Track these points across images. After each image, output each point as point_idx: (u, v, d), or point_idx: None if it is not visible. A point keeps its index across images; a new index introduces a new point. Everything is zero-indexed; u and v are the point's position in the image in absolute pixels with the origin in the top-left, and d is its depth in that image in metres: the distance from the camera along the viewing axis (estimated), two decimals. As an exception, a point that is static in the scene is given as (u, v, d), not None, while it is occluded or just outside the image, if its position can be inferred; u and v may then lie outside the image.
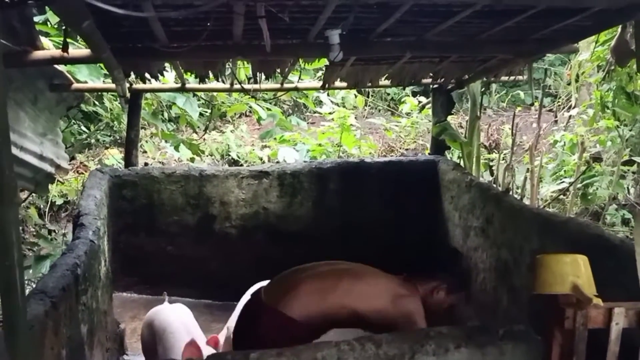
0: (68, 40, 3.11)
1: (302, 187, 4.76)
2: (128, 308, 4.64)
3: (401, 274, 2.99)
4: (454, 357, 1.99)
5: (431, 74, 4.62)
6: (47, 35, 4.12)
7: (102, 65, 4.49)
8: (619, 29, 3.72)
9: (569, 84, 9.50)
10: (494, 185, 5.35)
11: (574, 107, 8.52)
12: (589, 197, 6.33)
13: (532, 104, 10.98)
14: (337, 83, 4.59)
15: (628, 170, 6.62)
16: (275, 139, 7.28)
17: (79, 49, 3.40)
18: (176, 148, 6.31)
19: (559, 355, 2.04)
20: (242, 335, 2.78)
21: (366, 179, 4.82)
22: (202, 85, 4.45)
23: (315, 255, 4.69)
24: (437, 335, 2.02)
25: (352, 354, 1.90)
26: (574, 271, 2.01)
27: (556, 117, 9.12)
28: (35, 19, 4.12)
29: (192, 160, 6.87)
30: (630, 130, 6.63)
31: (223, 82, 4.37)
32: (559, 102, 9.78)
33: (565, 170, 6.90)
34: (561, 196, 6.64)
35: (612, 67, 6.14)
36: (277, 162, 6.35)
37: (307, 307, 2.63)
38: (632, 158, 6.51)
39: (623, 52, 4.01)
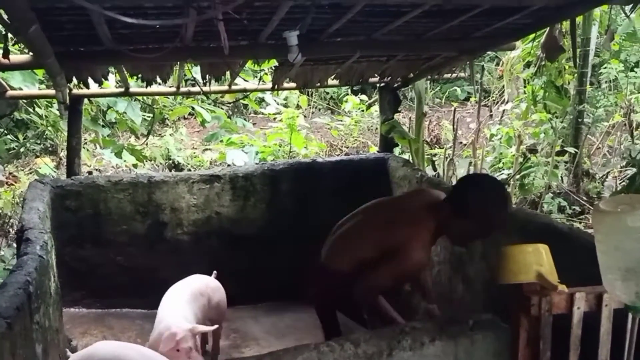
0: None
1: (255, 189, 4.71)
2: (77, 323, 4.44)
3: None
4: (429, 350, 2.04)
5: (378, 73, 4.70)
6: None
7: (36, 70, 4.29)
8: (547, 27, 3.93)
9: (499, 79, 9.93)
10: (443, 180, 5.50)
11: (507, 102, 8.90)
12: (527, 187, 6.63)
13: (467, 100, 11.40)
14: (287, 84, 4.59)
15: (561, 160, 6.99)
16: (221, 141, 7.17)
17: (17, 55, 3.21)
18: (118, 154, 6.09)
19: (526, 340, 2.12)
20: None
21: (319, 178, 4.82)
22: (147, 89, 4.32)
23: (271, 257, 4.72)
24: (412, 330, 2.06)
25: (332, 355, 1.91)
26: (537, 260, 2.10)
27: (491, 111, 9.50)
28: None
29: (134, 166, 6.66)
30: (561, 122, 7.00)
31: (169, 85, 4.27)
32: (493, 97, 10.18)
33: (503, 163, 7.20)
34: (501, 187, 6.90)
35: (543, 63, 6.47)
36: (227, 165, 6.26)
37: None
38: (565, 148, 6.88)
39: (553, 48, 4.24)
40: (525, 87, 7.88)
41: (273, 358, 1.87)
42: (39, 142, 8.46)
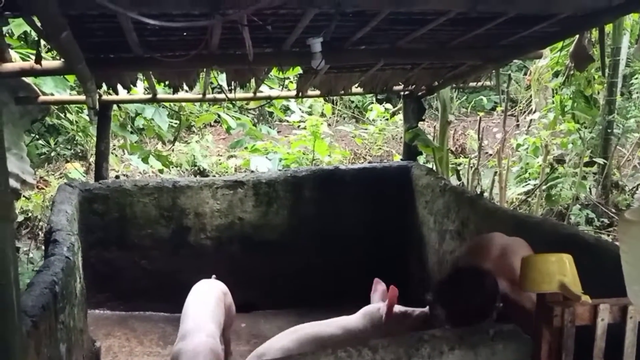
0: (29, 51, 3.02)
1: (278, 195, 4.74)
2: (101, 325, 4.51)
3: None
4: (448, 359, 2.02)
5: (402, 81, 4.69)
6: (9, 47, 4.00)
7: (67, 76, 4.40)
8: (577, 35, 3.87)
9: (527, 88, 9.81)
10: (467, 189, 5.46)
11: (534, 112, 8.78)
12: (554, 198, 6.51)
13: (494, 109, 11.28)
14: (311, 91, 4.61)
15: (589, 171, 6.86)
16: (245, 148, 7.24)
17: (49, 61, 3.31)
18: (144, 160, 6.18)
19: (548, 352, 2.09)
20: None
21: (341, 185, 4.84)
22: (174, 96, 4.39)
23: (293, 263, 4.74)
24: (431, 339, 2.04)
25: (350, 361, 1.90)
26: (560, 270, 2.06)
27: (517, 121, 9.38)
28: (-2, 30, 4.00)
29: (160, 172, 6.76)
30: (590, 133, 6.87)
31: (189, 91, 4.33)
32: (520, 107, 10.06)
33: (529, 173, 7.09)
34: (527, 198, 6.81)
35: (572, 72, 6.37)
36: (251, 171, 6.31)
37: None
38: (593, 159, 6.76)
39: (581, 57, 4.17)
40: (553, 96, 7.77)
41: (291, 362, 1.87)
42: (69, 147, 8.65)
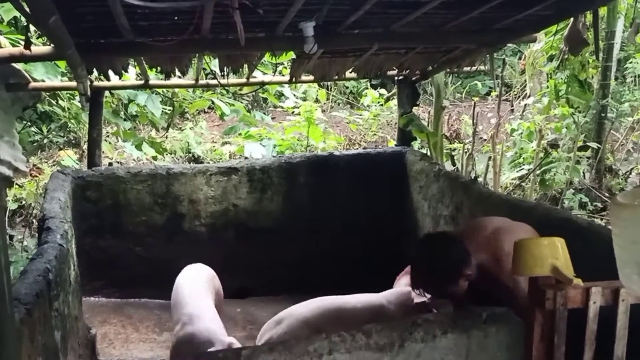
0: (19, 36, 2.99)
1: (272, 182, 4.73)
2: (97, 312, 4.51)
3: None
4: (441, 342, 2.03)
5: (396, 66, 4.66)
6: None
7: (58, 62, 4.36)
8: (572, 19, 3.85)
9: (521, 73, 9.79)
10: (462, 174, 5.46)
11: (528, 97, 8.77)
12: (547, 183, 6.53)
13: (488, 94, 11.26)
14: (304, 77, 4.58)
15: (583, 155, 6.88)
16: (239, 134, 7.21)
17: (39, 47, 3.27)
18: (138, 147, 6.16)
19: (540, 335, 2.10)
20: None
21: (336, 172, 4.83)
22: (166, 82, 4.36)
23: (287, 249, 4.74)
24: (424, 323, 2.05)
25: (344, 345, 1.91)
26: (552, 253, 2.07)
27: (512, 106, 9.37)
28: (-13, 16, 3.95)
29: (154, 158, 6.73)
30: (584, 117, 6.88)
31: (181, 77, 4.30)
32: (514, 92, 10.04)
33: (523, 158, 7.10)
34: (521, 183, 6.83)
35: (566, 56, 6.35)
36: (245, 158, 6.29)
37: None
38: (587, 144, 6.77)
39: (576, 41, 4.15)
40: (548, 81, 7.76)
41: (285, 347, 1.88)
42: (62, 134, 8.59)
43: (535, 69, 7.84)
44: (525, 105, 8.39)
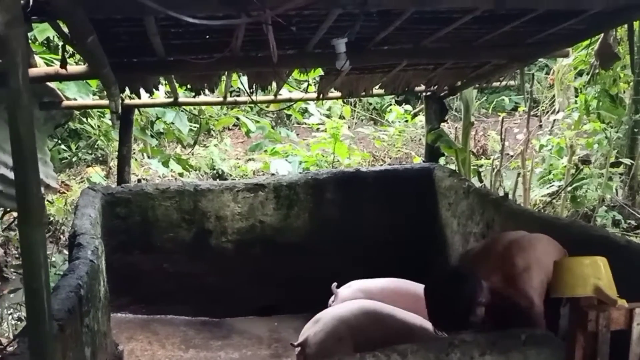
0: (53, 56, 3.05)
1: (299, 198, 4.71)
2: (124, 329, 4.52)
3: None
4: (479, 364, 1.97)
5: (424, 82, 4.64)
6: (33, 53, 4.04)
7: (90, 81, 4.44)
8: (602, 33, 3.79)
9: (549, 88, 9.66)
10: (491, 191, 5.37)
11: (557, 112, 8.64)
12: (579, 200, 6.40)
13: (515, 110, 11.14)
14: (331, 93, 4.58)
15: (615, 171, 6.72)
16: (265, 151, 7.24)
17: (73, 66, 3.33)
18: (165, 164, 6.22)
19: (582, 357, 2.02)
20: None
21: (363, 188, 4.79)
22: (195, 99, 4.40)
23: (314, 266, 4.70)
24: (461, 344, 1.99)
25: (379, 366, 1.86)
26: (594, 273, 2.01)
27: (540, 122, 9.24)
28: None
29: (180, 175, 6.79)
30: (616, 132, 6.74)
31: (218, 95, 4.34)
32: (542, 107, 9.92)
33: (553, 174, 6.97)
34: (552, 200, 6.70)
35: (597, 71, 6.25)
36: (271, 174, 6.30)
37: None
38: (620, 159, 6.62)
39: (607, 56, 4.08)
40: (576, 96, 7.64)
41: (319, 367, 1.84)
42: (90, 152, 8.75)
43: (564, 84, 7.73)
44: (554, 120, 8.27)
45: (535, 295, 2.27)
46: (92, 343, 2.95)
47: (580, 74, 7.29)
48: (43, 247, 1.27)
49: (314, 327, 3.05)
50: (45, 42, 5.17)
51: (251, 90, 3.97)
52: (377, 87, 4.57)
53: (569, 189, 6.41)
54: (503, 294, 2.39)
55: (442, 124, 5.34)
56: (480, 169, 7.16)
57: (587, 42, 6.02)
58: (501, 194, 5.03)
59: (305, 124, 8.76)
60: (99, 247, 3.46)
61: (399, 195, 4.82)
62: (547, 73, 9.75)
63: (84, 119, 6.90)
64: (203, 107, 6.55)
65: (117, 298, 4.53)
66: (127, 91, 3.80)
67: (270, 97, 4.69)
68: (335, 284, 3.75)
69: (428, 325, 2.92)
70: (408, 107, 9.18)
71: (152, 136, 8.37)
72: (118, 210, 4.52)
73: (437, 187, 4.74)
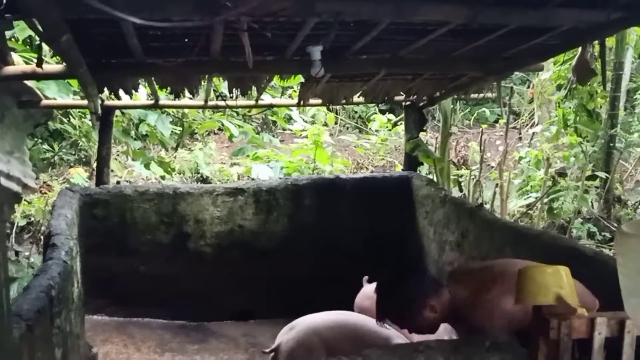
0: (33, 54, 3.05)
1: (278, 203, 4.74)
2: (99, 331, 4.49)
3: None
4: (442, 370, 2.00)
5: (403, 91, 4.70)
6: (13, 51, 4.02)
7: (70, 81, 4.43)
8: (580, 49, 3.88)
9: (530, 102, 9.81)
10: (468, 200, 5.44)
11: (536, 125, 8.77)
12: (555, 212, 6.49)
13: (497, 122, 11.27)
14: (312, 100, 4.62)
15: (591, 185, 6.84)
16: (248, 156, 7.26)
17: (51, 65, 3.33)
18: (146, 166, 6.21)
19: (544, 365, 2.07)
20: None
21: (341, 195, 4.83)
22: (176, 102, 4.42)
23: (291, 272, 4.72)
24: (425, 349, 2.02)
25: (343, 370, 1.89)
26: (556, 282, 2.05)
27: (520, 134, 9.37)
28: (2, 34, 4.02)
29: (162, 178, 6.78)
30: (592, 146, 6.86)
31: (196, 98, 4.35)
32: (522, 120, 10.06)
33: (531, 186, 7.07)
34: (528, 211, 6.79)
35: (574, 86, 6.37)
36: (252, 179, 6.32)
37: None
38: (595, 173, 6.74)
39: (584, 71, 4.17)
40: (556, 110, 7.76)
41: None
42: (73, 152, 8.68)
43: (544, 97, 7.86)
44: (534, 133, 8.39)
45: (491, 323, 2.28)
46: (63, 344, 2.93)
47: (559, 88, 7.41)
48: (2, 245, 1.28)
49: (287, 335, 3.06)
50: (27, 40, 5.14)
51: (231, 95, 3.99)
52: (357, 95, 4.62)
53: (545, 200, 6.51)
54: (464, 310, 2.40)
55: (424, 133, 5.40)
56: (461, 179, 7.25)
57: (564, 57, 6.14)
58: (479, 203, 5.09)
59: (290, 130, 8.79)
60: (73, 248, 3.45)
61: (377, 203, 4.86)
62: (529, 87, 9.90)
63: (65, 119, 6.85)
64: (186, 111, 6.55)
65: (94, 300, 4.51)
66: (106, 92, 3.80)
67: (252, 102, 4.71)
68: (366, 277, 3.77)
69: (404, 339, 2.97)
70: (391, 116, 9.25)
71: (137, 138, 8.35)
72: (96, 212, 4.51)
73: (415, 195, 4.79)
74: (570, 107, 6.75)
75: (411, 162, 5.17)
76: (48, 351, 2.60)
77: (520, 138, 9.43)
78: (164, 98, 4.81)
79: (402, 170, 5.35)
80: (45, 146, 7.96)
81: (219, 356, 4.27)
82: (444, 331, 2.94)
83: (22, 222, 7.08)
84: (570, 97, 6.69)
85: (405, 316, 2.45)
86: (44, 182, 8.21)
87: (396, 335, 2.98)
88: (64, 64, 3.07)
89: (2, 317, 1.35)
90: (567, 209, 6.48)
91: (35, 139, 6.74)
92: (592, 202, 6.82)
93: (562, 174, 7.06)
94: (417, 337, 2.82)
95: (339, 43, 3.23)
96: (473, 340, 2.13)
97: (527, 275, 2.12)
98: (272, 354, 3.19)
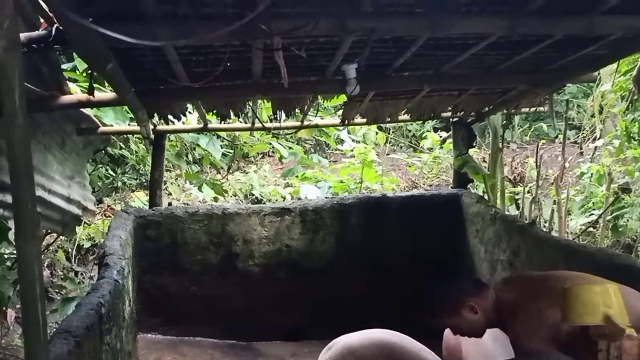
0: (95, 85, 3.22)
1: (324, 223, 4.75)
2: (152, 349, 4.61)
3: None
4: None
5: (450, 107, 4.63)
6: (75, 81, 4.27)
7: (127, 109, 4.65)
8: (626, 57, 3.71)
9: (592, 116, 9.40)
10: (519, 218, 5.26)
11: (599, 139, 8.39)
12: (620, 229, 6.14)
13: (557, 137, 10.86)
14: (357, 119, 4.63)
15: (658, 200, 6.44)
16: (297, 176, 7.33)
17: (104, 93, 3.51)
18: (199, 188, 6.38)
19: (594, 389, 1.95)
20: None
21: (388, 214, 4.79)
22: (223, 125, 4.53)
23: (339, 291, 4.69)
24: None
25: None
26: (605, 301, 1.95)
27: (581, 149, 8.99)
28: (64, 66, 4.28)
29: (215, 200, 6.94)
30: (658, 160, 6.48)
31: (245, 121, 4.45)
32: (583, 134, 9.65)
33: (593, 203, 6.74)
34: (591, 229, 6.46)
35: (635, 97, 6.07)
36: (299, 199, 6.37)
37: None
38: (662, 187, 6.35)
39: (645, 82, 3.98)
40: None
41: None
42: (134, 177, 9.06)
43: (604, 110, 7.52)
44: (595, 147, 8.02)
45: (533, 333, 2.20)
46: (113, 361, 3.02)
47: (622, 99, 7.06)
48: (37, 260, 1.35)
49: (326, 354, 3.05)
50: (88, 70, 5.43)
51: (276, 116, 4.06)
52: (402, 113, 4.59)
53: (609, 217, 6.18)
54: (508, 317, 2.34)
55: (478, 150, 5.28)
56: (517, 197, 7.00)
57: (626, 67, 5.88)
58: (531, 220, 4.90)
59: (340, 150, 8.81)
60: (125, 268, 3.57)
61: (425, 222, 4.78)
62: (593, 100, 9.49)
63: (124, 146, 7.17)
64: (237, 134, 6.71)
65: (148, 319, 4.65)
66: (157, 117, 3.96)
67: (297, 123, 4.77)
68: None
69: None
70: (444, 133, 9.10)
71: (194, 162, 8.62)
72: (149, 233, 4.66)
73: (465, 213, 4.68)
74: (633, 120, 6.42)
75: (460, 180, 5.06)
76: (97, 367, 2.69)
77: (581, 153, 9.04)
78: (214, 122, 4.95)
79: (452, 187, 5.23)
80: (111, 171, 8.35)
81: (266, 376, 4.28)
82: (502, 338, 2.85)
83: (87, 244, 7.42)
84: (632, 108, 6.37)
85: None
86: (108, 206, 8.59)
87: (433, 357, 2.90)
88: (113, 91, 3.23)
89: (39, 330, 1.41)
90: (632, 227, 6.12)
91: (96, 164, 7.08)
92: (659, 219, 6.41)
93: (625, 189, 6.69)
94: None
95: (380, 61, 3.24)
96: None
97: (574, 294, 2.03)
98: None
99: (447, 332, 3.09)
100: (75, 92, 3.52)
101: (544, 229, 5.51)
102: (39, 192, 4.01)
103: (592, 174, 7.10)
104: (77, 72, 4.81)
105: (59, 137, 4.28)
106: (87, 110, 4.05)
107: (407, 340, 3.10)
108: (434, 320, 2.56)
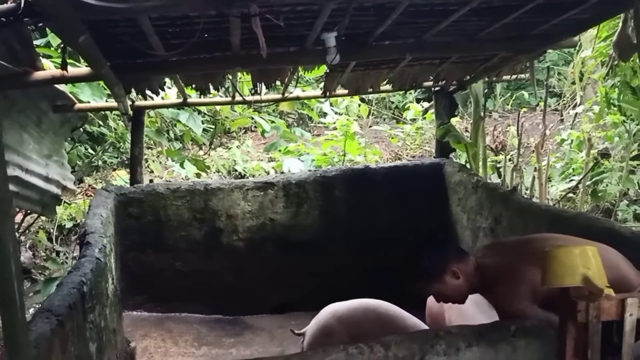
0: (70, 61, 3.13)
1: (308, 196, 4.74)
2: (139, 326, 4.61)
3: None
4: (465, 356, 1.95)
5: (432, 77, 4.60)
6: (49, 58, 4.15)
7: (104, 84, 4.54)
8: (620, 24, 3.69)
9: (573, 83, 9.44)
10: (501, 185, 5.30)
11: (579, 105, 8.44)
12: (599, 194, 6.23)
13: (538, 105, 10.91)
14: (339, 91, 4.59)
15: (637, 165, 6.53)
16: (279, 150, 7.28)
17: (78, 68, 3.41)
18: (181, 165, 6.32)
19: (573, 349, 1.99)
20: None
21: (372, 185, 4.79)
22: (203, 99, 4.46)
23: (325, 264, 4.71)
24: (447, 335, 1.98)
25: (361, 357, 1.87)
26: (583, 263, 1.97)
27: (562, 116, 9.05)
28: (37, 42, 4.15)
29: (198, 176, 6.88)
30: (637, 125, 6.54)
31: (225, 95, 4.38)
32: (564, 101, 9.70)
33: (573, 169, 6.81)
34: (571, 194, 6.55)
35: (616, 62, 6.08)
36: (282, 172, 6.34)
37: None
38: (641, 152, 6.43)
39: (625, 47, 3.97)
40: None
41: (301, 358, 1.85)
42: (115, 155, 8.93)
43: (584, 76, 7.54)
44: (576, 114, 8.07)
45: (515, 290, 2.26)
46: (98, 339, 3.01)
47: (602, 65, 7.08)
48: (12, 238, 1.32)
49: (312, 322, 3.12)
50: (61, 46, 5.28)
51: (255, 89, 4.00)
52: (384, 83, 4.55)
53: (589, 183, 6.26)
54: (490, 280, 2.38)
55: (460, 119, 5.28)
56: (499, 165, 7.05)
57: (606, 33, 5.87)
58: (512, 187, 4.95)
59: (323, 123, 8.76)
60: (106, 246, 3.53)
61: (409, 192, 4.80)
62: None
63: (101, 123, 7.02)
64: (218, 108, 6.62)
65: (133, 296, 4.64)
66: (134, 92, 3.87)
67: (278, 95, 4.71)
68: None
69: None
70: (426, 104, 9.08)
71: (175, 139, 8.49)
72: (131, 210, 4.62)
73: (448, 182, 4.70)
74: (613, 85, 6.45)
75: (443, 149, 5.07)
76: (82, 345, 2.67)
77: (562, 120, 9.10)
78: (194, 97, 4.87)
79: (434, 157, 5.25)
80: (88, 150, 8.20)
81: (253, 349, 4.32)
82: (483, 305, 2.91)
83: (69, 224, 7.34)
84: (613, 74, 6.39)
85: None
86: (89, 185, 8.47)
87: (423, 324, 2.96)
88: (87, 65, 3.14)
89: (16, 308, 1.39)
90: (611, 191, 6.21)
91: (74, 143, 6.94)
92: (638, 183, 6.51)
93: (605, 154, 6.77)
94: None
95: (360, 30, 3.19)
96: (498, 325, 2.06)
97: (554, 257, 2.05)
98: (302, 338, 3.27)
99: (431, 300, 3.14)
100: (49, 69, 3.43)
101: (525, 196, 5.57)
102: (16, 172, 3.93)
103: (572, 140, 7.17)
104: (51, 48, 4.69)
105: (34, 115, 4.17)
106: (63, 87, 3.95)
107: (393, 307, 3.16)
108: (418, 287, 2.61)
